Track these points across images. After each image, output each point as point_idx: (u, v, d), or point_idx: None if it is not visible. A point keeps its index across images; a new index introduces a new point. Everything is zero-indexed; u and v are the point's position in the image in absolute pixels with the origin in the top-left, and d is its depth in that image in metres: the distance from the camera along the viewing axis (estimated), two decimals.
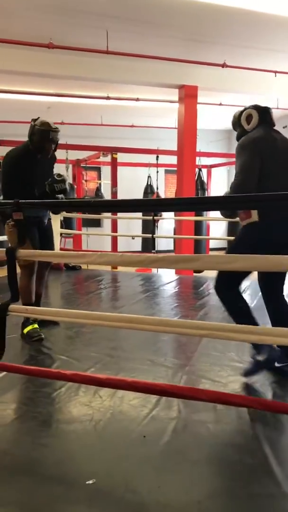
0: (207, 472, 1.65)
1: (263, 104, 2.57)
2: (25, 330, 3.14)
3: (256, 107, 2.53)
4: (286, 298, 2.54)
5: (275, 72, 6.35)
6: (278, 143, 2.42)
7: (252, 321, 2.30)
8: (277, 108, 8.29)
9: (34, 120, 3.17)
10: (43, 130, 3.09)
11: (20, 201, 1.80)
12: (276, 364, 2.51)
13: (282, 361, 2.50)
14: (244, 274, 2.39)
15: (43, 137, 3.09)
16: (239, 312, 2.39)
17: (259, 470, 1.64)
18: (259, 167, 2.30)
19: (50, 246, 3.43)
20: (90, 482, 1.57)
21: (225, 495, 1.53)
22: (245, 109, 2.56)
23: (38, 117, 3.19)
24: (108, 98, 7.85)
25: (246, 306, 2.41)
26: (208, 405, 2.10)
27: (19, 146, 3.26)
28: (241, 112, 2.57)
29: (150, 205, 2.02)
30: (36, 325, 3.15)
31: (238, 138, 2.55)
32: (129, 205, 1.90)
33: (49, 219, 3.45)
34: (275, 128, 2.54)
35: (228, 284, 2.41)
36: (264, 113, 2.50)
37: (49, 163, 3.32)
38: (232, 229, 8.86)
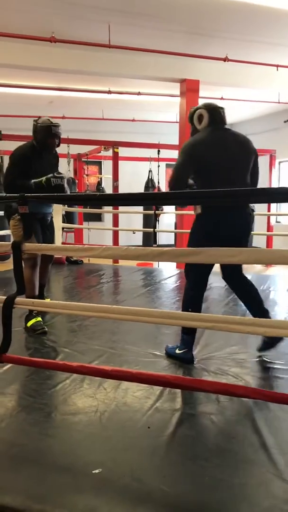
0: (210, 463, 1.68)
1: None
2: (29, 324, 3.19)
3: (207, 107, 2.61)
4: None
5: (277, 66, 6.35)
6: (226, 142, 2.53)
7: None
8: (279, 102, 8.29)
9: (36, 120, 3.35)
10: (45, 126, 3.27)
11: (26, 194, 1.82)
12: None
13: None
14: (209, 268, 2.60)
15: (46, 133, 3.27)
16: (192, 305, 2.57)
17: (262, 461, 1.67)
18: (192, 169, 2.50)
19: (52, 241, 3.55)
20: (97, 471, 1.60)
21: (228, 485, 1.55)
22: (197, 108, 2.64)
23: (39, 117, 3.38)
24: (109, 92, 7.84)
25: (199, 305, 2.60)
26: (211, 397, 2.13)
27: (26, 143, 3.40)
28: (195, 110, 2.65)
29: (158, 199, 2.03)
30: (39, 318, 3.20)
31: (191, 135, 2.69)
32: (137, 199, 1.92)
33: (51, 217, 3.59)
34: (228, 126, 2.68)
35: (196, 285, 2.63)
36: (214, 113, 2.58)
37: (52, 162, 3.47)
38: None
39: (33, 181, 3.17)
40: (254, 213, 2.66)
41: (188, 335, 2.64)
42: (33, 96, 8.26)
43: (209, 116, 2.57)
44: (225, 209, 2.46)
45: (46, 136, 3.27)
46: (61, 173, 3.22)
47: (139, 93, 8.02)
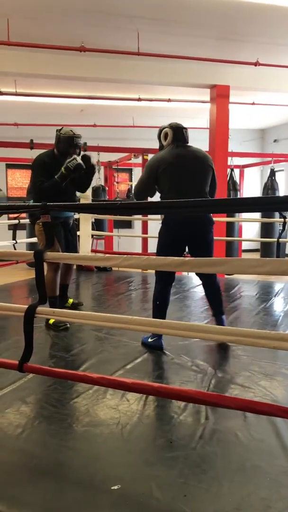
0: (234, 481, 1.60)
1: None
2: (51, 321, 3.32)
3: (171, 127, 3.00)
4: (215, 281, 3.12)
5: None
6: (184, 158, 2.91)
7: (160, 316, 2.97)
8: None
9: (58, 130, 3.54)
10: (67, 137, 3.46)
11: (47, 204, 1.81)
12: None
13: None
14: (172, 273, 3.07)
15: (68, 143, 3.46)
16: (156, 305, 3.01)
17: None
18: (154, 183, 2.94)
19: (74, 244, 3.79)
20: (115, 487, 1.55)
21: (255, 506, 1.47)
22: (164, 127, 3.04)
23: (62, 127, 3.57)
24: (139, 99, 7.87)
25: (164, 304, 3.03)
26: (236, 412, 2.04)
27: (46, 152, 3.60)
28: (162, 129, 3.05)
29: (179, 208, 1.98)
30: None
31: (159, 149, 3.11)
32: (155, 208, 1.89)
33: (74, 220, 3.86)
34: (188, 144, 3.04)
35: (161, 279, 3.02)
36: (177, 132, 2.98)
37: None
38: (266, 230, 8.68)
39: (56, 176, 3.33)
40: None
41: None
42: (64, 105, 8.39)
43: (173, 134, 2.97)
44: (181, 216, 2.86)
45: (68, 146, 3.45)
46: (72, 158, 3.35)
47: (169, 100, 8.01)
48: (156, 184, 2.96)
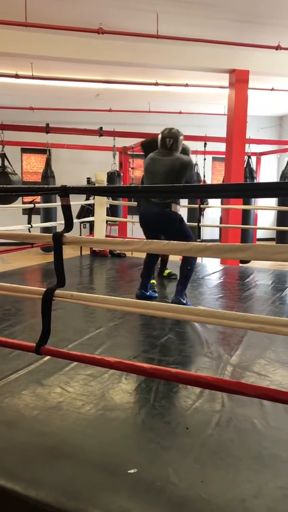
0: (252, 469, 1.59)
1: None
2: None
3: (161, 136, 3.61)
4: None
5: None
6: (157, 164, 3.58)
7: (145, 272, 3.85)
8: None
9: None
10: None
11: (67, 186, 1.79)
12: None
13: None
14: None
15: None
16: (144, 264, 3.86)
17: None
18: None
19: None
20: (132, 471, 1.55)
21: (273, 494, 1.46)
22: (160, 132, 3.65)
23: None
24: (156, 84, 7.76)
25: (150, 264, 3.86)
26: (253, 400, 2.03)
27: None
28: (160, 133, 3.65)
29: (198, 191, 1.95)
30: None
31: None
32: (180, 191, 1.85)
33: None
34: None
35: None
36: (162, 141, 3.61)
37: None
38: (282, 218, 8.56)
39: None
40: None
41: (143, 277, 3.81)
42: (80, 89, 8.32)
43: (160, 142, 3.62)
44: (143, 208, 3.65)
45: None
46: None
47: (186, 85, 7.88)
48: None
